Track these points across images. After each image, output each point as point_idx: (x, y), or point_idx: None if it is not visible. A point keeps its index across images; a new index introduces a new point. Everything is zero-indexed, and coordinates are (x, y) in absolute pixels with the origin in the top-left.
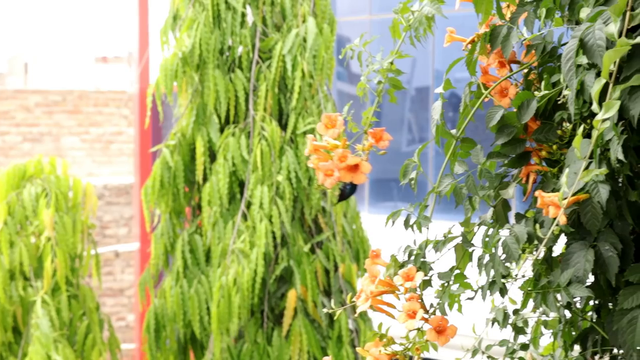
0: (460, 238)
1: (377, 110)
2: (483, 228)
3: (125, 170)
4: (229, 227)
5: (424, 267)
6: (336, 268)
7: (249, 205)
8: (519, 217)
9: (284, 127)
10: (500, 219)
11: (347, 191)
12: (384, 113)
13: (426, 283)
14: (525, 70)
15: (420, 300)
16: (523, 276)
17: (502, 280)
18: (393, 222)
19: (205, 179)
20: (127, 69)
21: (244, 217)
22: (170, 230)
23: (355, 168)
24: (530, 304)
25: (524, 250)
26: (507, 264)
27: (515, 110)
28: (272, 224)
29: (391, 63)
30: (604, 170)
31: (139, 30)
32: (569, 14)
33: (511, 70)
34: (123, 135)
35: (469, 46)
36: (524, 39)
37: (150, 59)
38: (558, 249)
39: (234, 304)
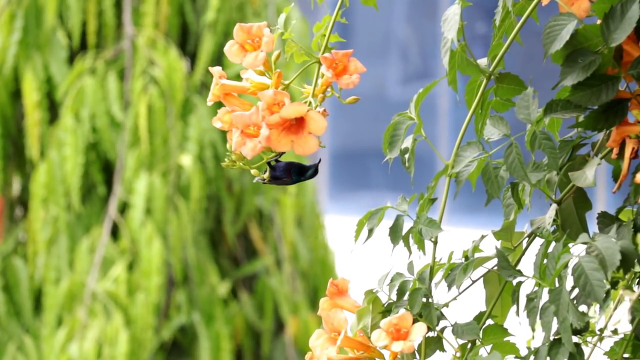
0: (496, 260)
1: (340, 21)
2: (538, 242)
3: None
4: (83, 248)
5: (429, 313)
6: (281, 326)
7: (123, 208)
8: (606, 220)
9: (191, 59)
10: (570, 225)
11: (281, 170)
12: (354, 27)
13: (433, 343)
14: None
15: None
16: (614, 332)
17: (575, 339)
18: (370, 231)
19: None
20: None
21: (114, 230)
22: None
23: (298, 125)
24: None
25: (614, 284)
26: (584, 309)
27: (598, 22)
28: (169, 246)
29: None
30: None
31: None
32: None
33: None
34: None
35: None
36: None
37: None
38: None
39: None
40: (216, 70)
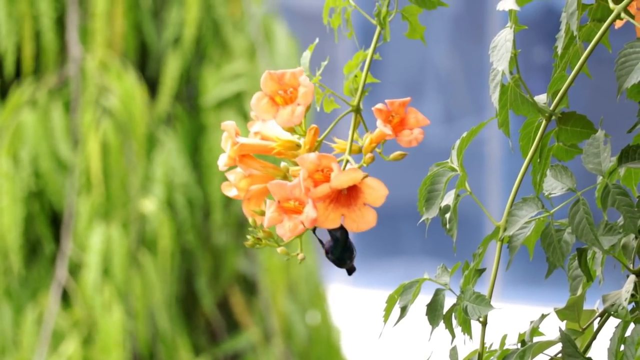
0: (561, 346)
1: (375, 57)
2: (613, 323)
3: None
4: (29, 320)
5: None
6: None
7: (74, 269)
8: None
9: (151, 85)
10: None
11: (336, 249)
12: (383, 53)
13: None
14: None
15: None
16: None
17: None
18: (403, 309)
19: None
20: None
21: (65, 296)
22: None
23: (350, 195)
24: None
25: None
26: None
27: None
28: (135, 314)
29: None
30: None
31: None
32: None
33: None
34: None
35: None
36: None
37: None
38: None
39: None
40: (230, 125)
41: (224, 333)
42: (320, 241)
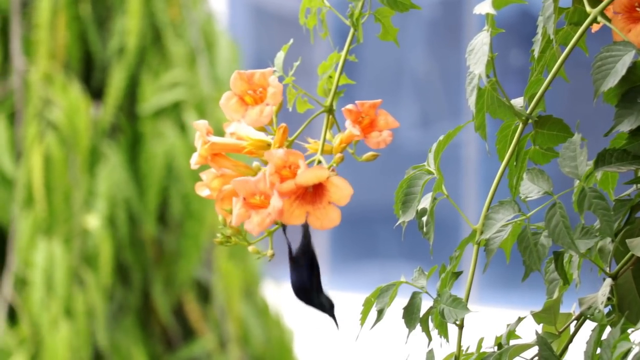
0: (537, 349)
1: (350, 59)
2: (589, 327)
3: None
4: None
5: None
6: None
7: (20, 284)
8: None
9: (95, 95)
10: (629, 305)
11: (301, 250)
12: (359, 57)
13: None
14: None
15: None
16: None
17: None
18: (380, 312)
19: None
20: None
21: (11, 313)
22: None
23: (316, 193)
24: None
25: None
26: None
27: None
28: (78, 329)
29: None
30: None
31: None
32: None
33: None
34: None
35: None
36: None
37: None
38: None
39: None
40: (202, 124)
41: (180, 340)
42: (289, 245)
